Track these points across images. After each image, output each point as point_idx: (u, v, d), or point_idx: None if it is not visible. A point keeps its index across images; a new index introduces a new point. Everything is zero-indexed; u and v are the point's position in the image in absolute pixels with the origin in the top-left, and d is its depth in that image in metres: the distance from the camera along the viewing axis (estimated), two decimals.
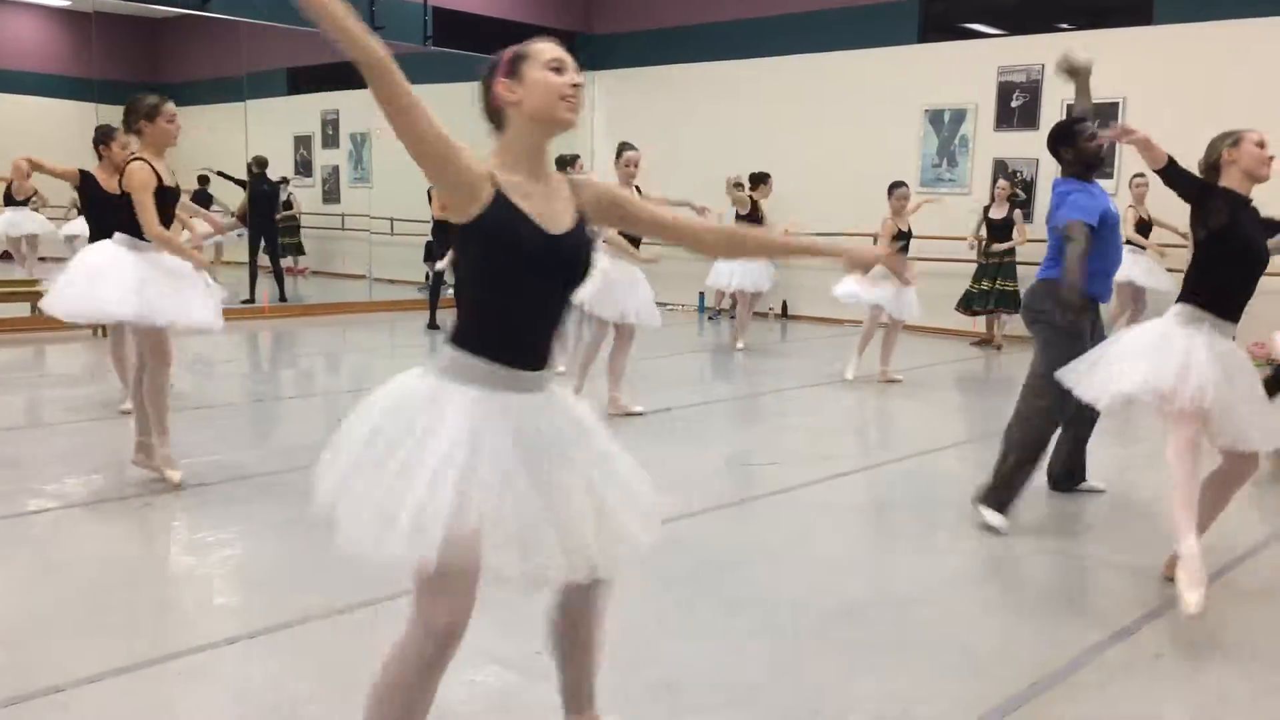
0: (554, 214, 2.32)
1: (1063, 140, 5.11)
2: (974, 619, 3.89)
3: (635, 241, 7.01)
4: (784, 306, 13.68)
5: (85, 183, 6.56)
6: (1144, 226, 10.32)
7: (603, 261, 6.91)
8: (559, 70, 2.37)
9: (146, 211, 4.93)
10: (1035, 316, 4.97)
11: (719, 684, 3.28)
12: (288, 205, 14.84)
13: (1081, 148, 5.01)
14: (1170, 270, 9.90)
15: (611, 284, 6.80)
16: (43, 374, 8.71)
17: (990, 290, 10.88)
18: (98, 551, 4.49)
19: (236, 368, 9.54)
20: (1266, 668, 3.50)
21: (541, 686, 3.20)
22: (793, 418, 7.58)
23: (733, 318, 13.13)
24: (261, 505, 4.91)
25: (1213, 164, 4.02)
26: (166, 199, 5.06)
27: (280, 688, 3.17)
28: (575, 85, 2.35)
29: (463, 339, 2.30)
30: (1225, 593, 4.14)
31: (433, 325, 11.36)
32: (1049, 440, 4.94)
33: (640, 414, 7.07)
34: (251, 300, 12.75)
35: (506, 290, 2.26)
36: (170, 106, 5.12)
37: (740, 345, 10.63)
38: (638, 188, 7.03)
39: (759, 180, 11.15)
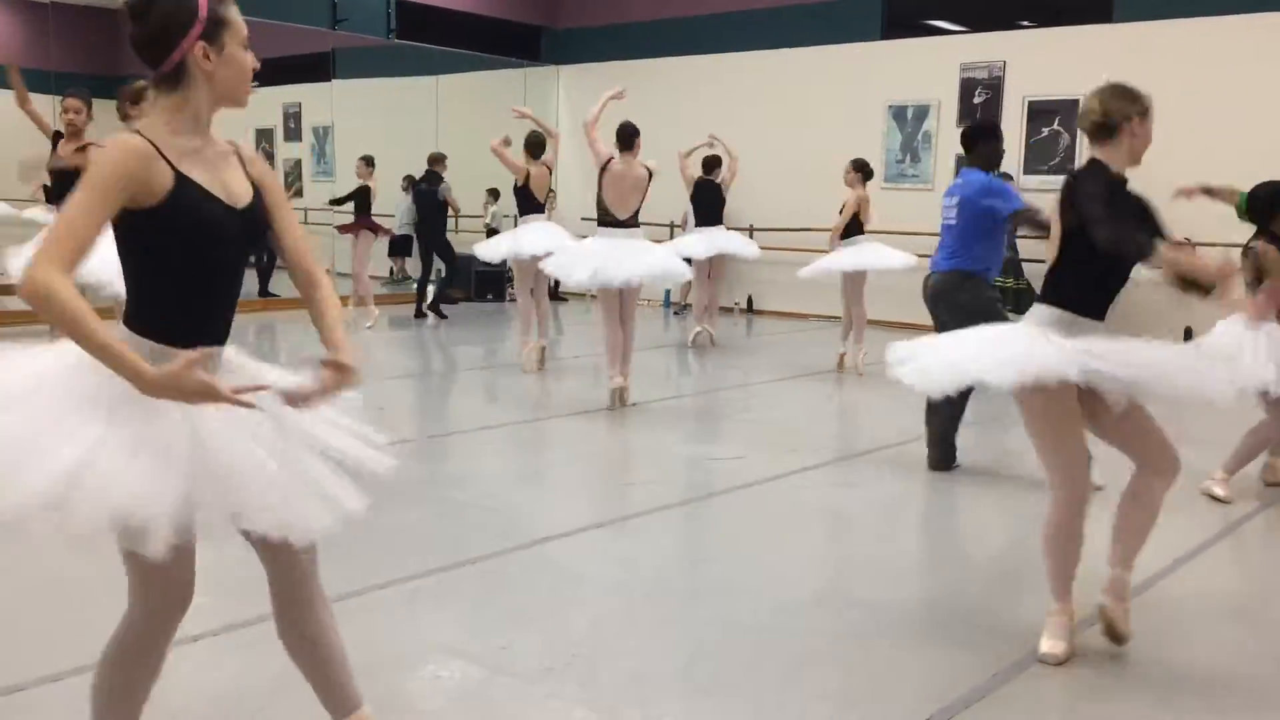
0: (228, 183, 2.22)
1: (981, 136, 5.84)
2: (937, 610, 3.93)
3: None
4: (749, 301, 13.72)
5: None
6: None
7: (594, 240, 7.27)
8: (247, 48, 2.27)
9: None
10: (952, 304, 5.40)
11: (685, 675, 3.29)
12: None
13: (996, 149, 5.86)
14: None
15: (580, 248, 7.22)
16: None
17: (1006, 289, 10.60)
18: (57, 550, 4.44)
19: None
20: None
21: (507, 681, 3.21)
22: (758, 412, 7.62)
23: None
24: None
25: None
26: None
27: (247, 684, 3.16)
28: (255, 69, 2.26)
29: (132, 318, 2.19)
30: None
31: (420, 314, 12.09)
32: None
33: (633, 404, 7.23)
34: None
35: (182, 271, 2.16)
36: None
37: (709, 330, 10.52)
38: (647, 166, 7.45)
39: (712, 165, 11.05)
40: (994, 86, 11.70)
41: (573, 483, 5.74)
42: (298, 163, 16.15)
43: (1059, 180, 5.42)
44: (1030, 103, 11.35)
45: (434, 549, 4.26)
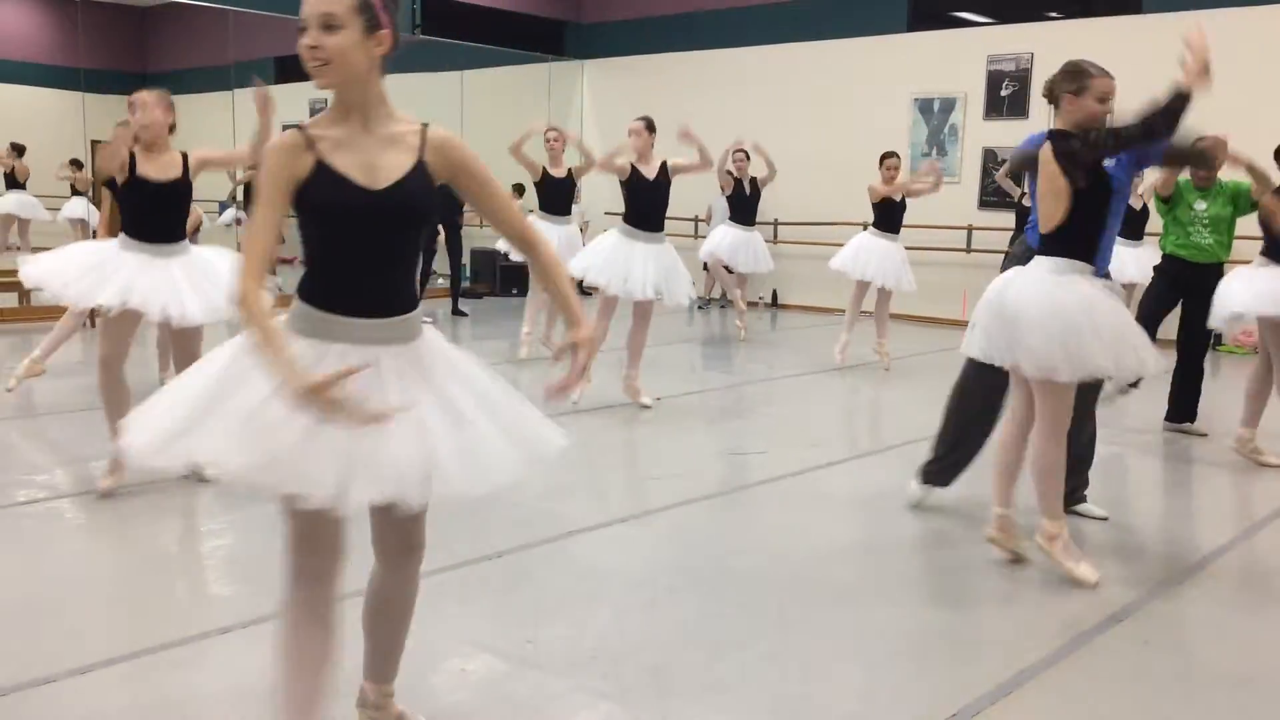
0: (378, 166, 2.32)
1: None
2: (964, 606, 3.92)
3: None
4: (774, 295, 13.69)
5: None
6: (1143, 213, 10.15)
7: (611, 237, 6.98)
8: (302, 30, 2.31)
9: None
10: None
11: (708, 669, 3.29)
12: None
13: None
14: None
15: (625, 259, 6.83)
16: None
17: None
18: (88, 542, 4.49)
19: None
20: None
21: (532, 675, 3.22)
22: (782, 407, 7.60)
23: (723, 306, 13.15)
24: (251, 496, 4.90)
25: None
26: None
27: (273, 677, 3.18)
28: (309, 47, 2.29)
29: (300, 288, 2.35)
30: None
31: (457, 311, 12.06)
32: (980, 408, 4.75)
33: (648, 406, 7.05)
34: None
35: (330, 244, 2.32)
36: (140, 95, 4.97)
37: (743, 331, 10.56)
38: (664, 163, 7.06)
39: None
40: (1021, 78, 11.62)
41: (597, 477, 5.75)
42: None
43: None
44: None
45: (459, 543, 4.28)
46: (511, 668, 3.28)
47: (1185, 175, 6.50)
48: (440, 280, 14.83)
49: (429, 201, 2.40)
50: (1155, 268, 6.82)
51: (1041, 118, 11.96)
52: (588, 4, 15.20)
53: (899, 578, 4.18)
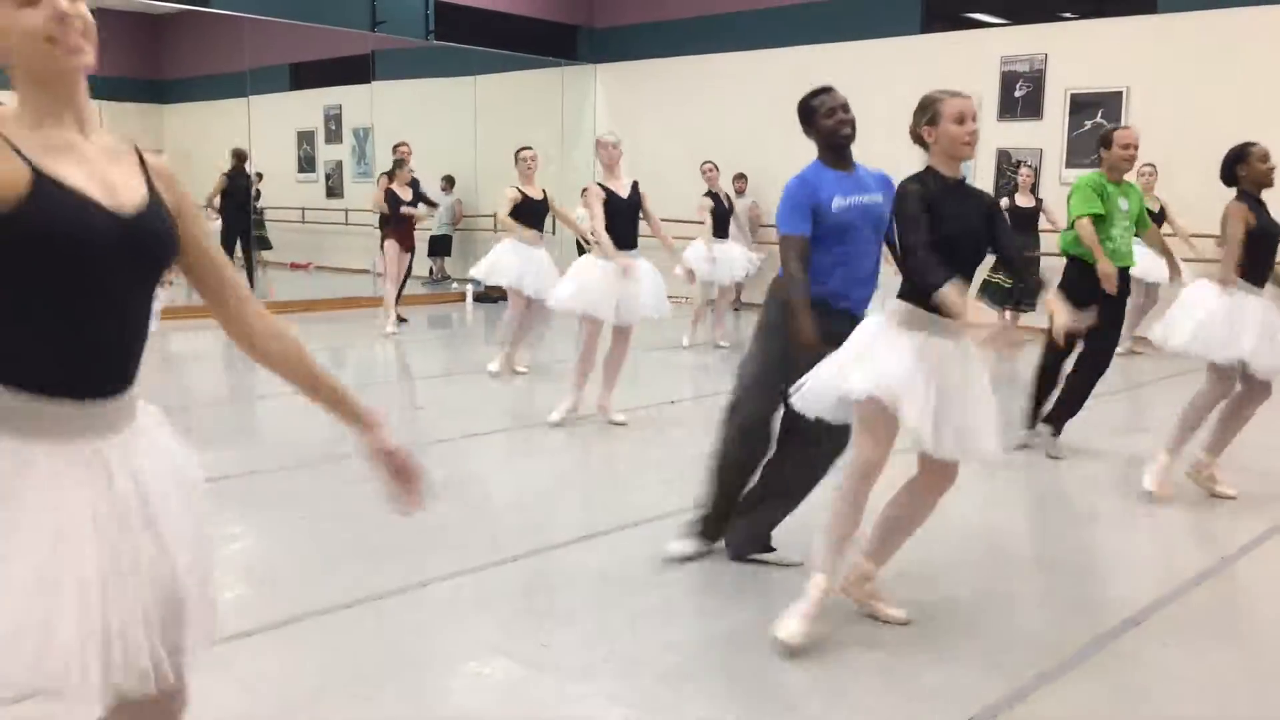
0: (115, 184, 1.72)
1: (802, 118, 4.27)
2: (976, 609, 3.90)
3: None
4: None
5: None
6: (1154, 218, 10.09)
7: (594, 265, 6.77)
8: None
9: None
10: (768, 316, 4.09)
11: (724, 672, 3.29)
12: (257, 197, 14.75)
13: (819, 125, 4.19)
14: (1186, 260, 9.68)
15: (601, 282, 6.61)
16: None
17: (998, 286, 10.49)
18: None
19: (240, 363, 9.54)
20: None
21: (548, 679, 3.22)
22: None
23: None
24: (268, 500, 4.93)
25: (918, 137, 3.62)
26: None
27: (290, 681, 3.19)
28: (66, 17, 1.69)
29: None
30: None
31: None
32: (752, 462, 4.17)
33: (622, 424, 6.83)
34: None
35: (54, 293, 1.65)
36: None
37: (723, 342, 10.31)
38: (635, 184, 6.74)
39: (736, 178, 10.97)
40: (1035, 79, 11.58)
41: (609, 482, 5.75)
42: (338, 164, 16.30)
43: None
44: (1072, 95, 11.21)
45: (474, 548, 4.29)
46: (527, 672, 3.28)
47: (1099, 172, 5.78)
48: (455, 285, 14.88)
49: (176, 236, 1.81)
50: (1072, 276, 5.80)
51: (1056, 119, 11.99)
52: (600, 8, 15.22)
53: (913, 583, 4.16)
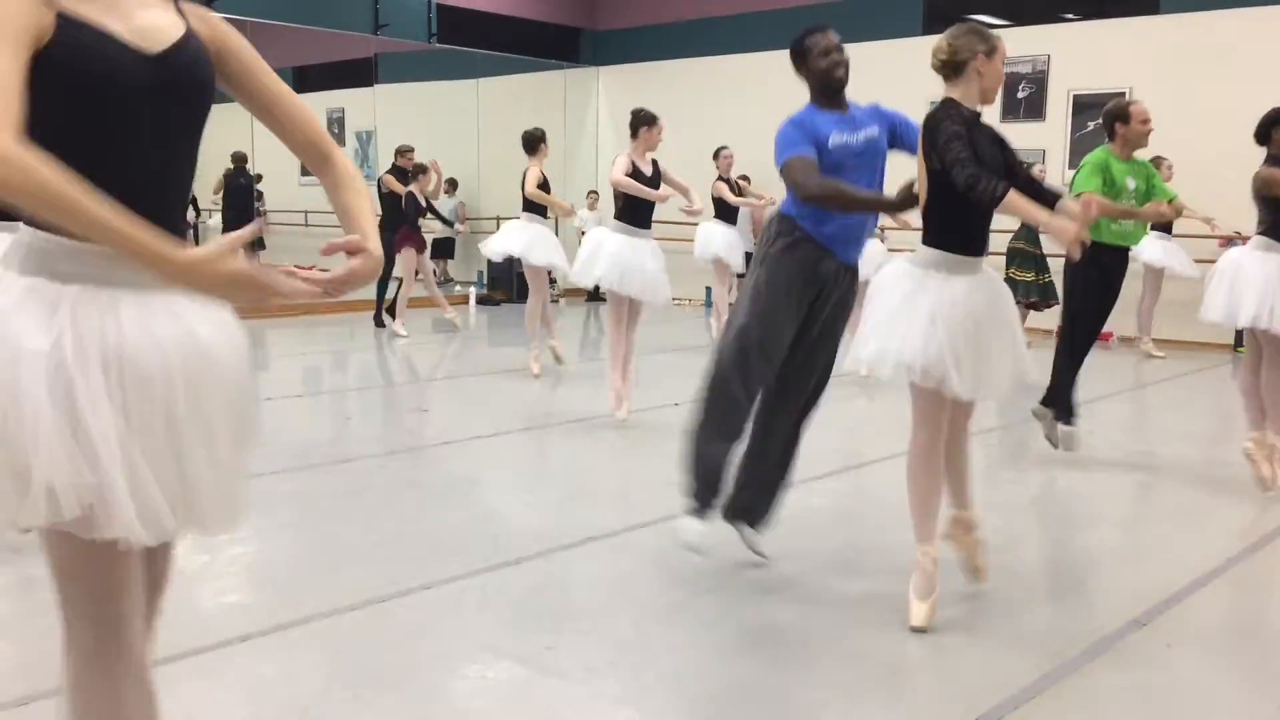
0: (143, 25, 1.70)
1: (795, 59, 4.19)
2: (984, 610, 3.89)
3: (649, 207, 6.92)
4: None
5: None
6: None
7: (611, 236, 6.88)
8: None
9: None
10: (757, 247, 4.03)
11: (729, 675, 3.29)
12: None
13: (813, 66, 4.12)
14: (1199, 261, 9.62)
15: (623, 259, 6.71)
16: None
17: (1033, 282, 10.28)
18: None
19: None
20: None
21: (552, 681, 3.22)
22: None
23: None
24: (271, 504, 4.93)
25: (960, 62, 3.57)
26: None
27: (293, 684, 3.19)
28: None
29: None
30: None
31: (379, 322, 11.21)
32: (735, 395, 3.95)
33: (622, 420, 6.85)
34: None
35: (87, 135, 1.64)
36: None
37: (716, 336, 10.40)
38: (654, 161, 6.92)
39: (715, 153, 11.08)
40: (1038, 80, 11.58)
41: (614, 484, 5.75)
42: None
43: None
44: (1075, 96, 11.21)
45: (477, 550, 4.28)
46: (531, 674, 3.28)
47: (1107, 145, 5.69)
48: (458, 287, 14.88)
49: (212, 77, 1.81)
50: (1080, 260, 6.00)
51: (1059, 120, 11.97)
52: (602, 10, 15.23)
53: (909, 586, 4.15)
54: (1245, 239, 9.98)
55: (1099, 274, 5.57)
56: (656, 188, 6.87)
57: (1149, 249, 9.41)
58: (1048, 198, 3.51)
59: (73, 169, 1.50)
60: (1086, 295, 5.69)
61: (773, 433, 4.14)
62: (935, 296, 3.45)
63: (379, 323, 11.11)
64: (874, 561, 4.46)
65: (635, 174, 6.78)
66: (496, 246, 8.56)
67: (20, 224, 1.67)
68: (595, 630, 3.61)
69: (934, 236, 3.54)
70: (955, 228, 3.51)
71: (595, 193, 14.61)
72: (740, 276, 10.86)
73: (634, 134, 6.90)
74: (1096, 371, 6.15)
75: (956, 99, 3.53)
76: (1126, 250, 5.78)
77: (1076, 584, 4.17)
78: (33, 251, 1.64)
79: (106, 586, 1.72)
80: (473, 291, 13.14)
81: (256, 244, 14.46)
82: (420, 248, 10.90)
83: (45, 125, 1.56)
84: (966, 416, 3.77)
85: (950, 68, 3.56)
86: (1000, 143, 3.63)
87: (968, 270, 3.52)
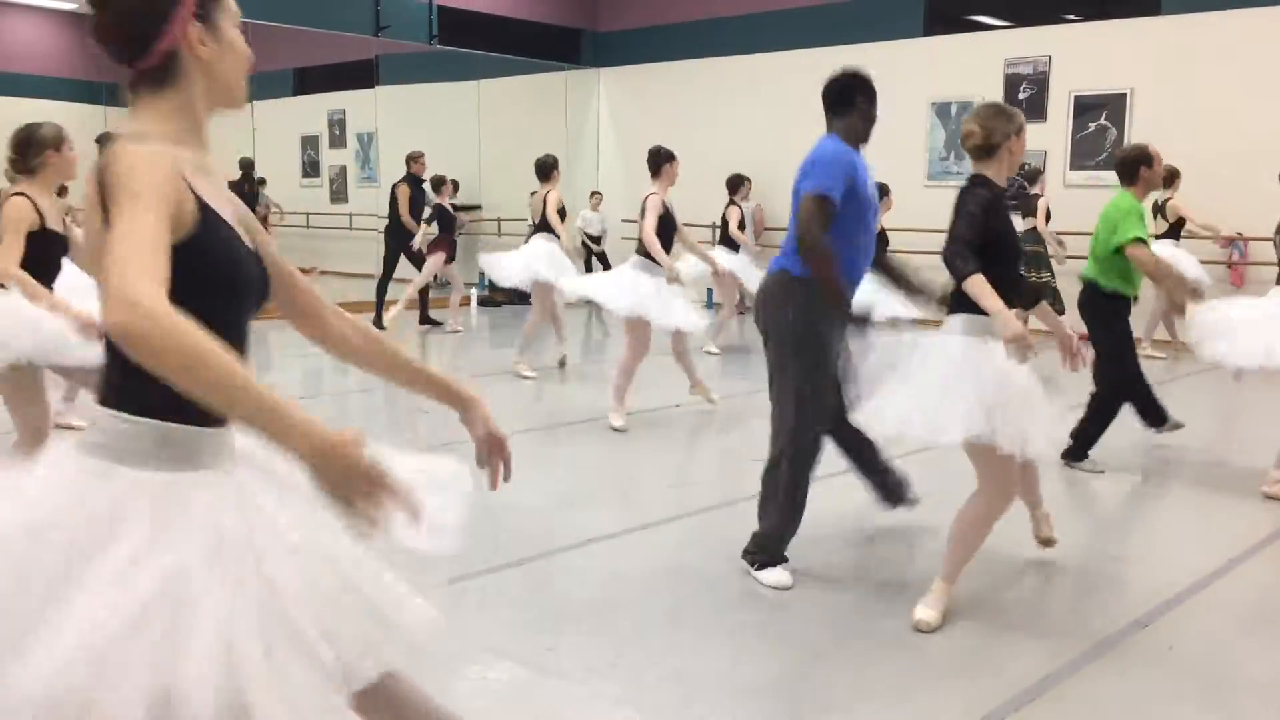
0: (241, 214, 1.78)
1: (849, 94, 4.13)
2: (988, 610, 3.89)
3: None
4: None
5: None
6: (1177, 224, 9.97)
7: (637, 276, 6.89)
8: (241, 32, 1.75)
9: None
10: (771, 318, 4.05)
11: (729, 676, 3.29)
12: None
13: (867, 112, 4.14)
14: (1204, 262, 9.62)
15: (656, 294, 6.79)
16: None
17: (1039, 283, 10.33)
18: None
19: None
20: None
21: (553, 682, 3.22)
22: None
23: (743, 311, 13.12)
24: None
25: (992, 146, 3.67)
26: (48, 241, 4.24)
27: None
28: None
29: (133, 400, 1.59)
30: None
31: (425, 320, 11.56)
32: (813, 463, 4.12)
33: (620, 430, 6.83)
34: None
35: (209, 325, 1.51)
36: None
37: (715, 349, 10.17)
38: (666, 204, 6.92)
39: (737, 185, 10.98)
40: (1039, 82, 11.57)
41: (615, 486, 5.75)
42: (343, 169, 16.32)
43: (1106, 175, 5.30)
44: (1076, 97, 11.21)
45: (478, 551, 4.28)
46: (532, 675, 3.28)
47: (1129, 190, 5.53)
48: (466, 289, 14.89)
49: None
50: (1113, 314, 5.63)
51: (1061, 121, 11.96)
52: (603, 12, 15.24)
53: (925, 582, 4.15)
54: (1246, 240, 10.03)
55: (1126, 323, 5.63)
56: (675, 225, 6.98)
57: (1160, 253, 9.39)
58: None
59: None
60: (1125, 347, 5.69)
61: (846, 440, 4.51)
62: (998, 361, 3.50)
63: (380, 325, 11.14)
64: (876, 563, 4.46)
65: (666, 214, 6.88)
66: (513, 272, 8.65)
67: None
68: (595, 631, 3.61)
69: (962, 303, 3.59)
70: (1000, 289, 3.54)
71: (598, 193, 14.62)
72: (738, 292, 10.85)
73: (656, 172, 6.97)
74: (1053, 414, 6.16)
75: (989, 177, 3.68)
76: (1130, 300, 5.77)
77: (1078, 585, 4.17)
78: (165, 442, 1.60)
79: None
80: (474, 294, 13.14)
81: None
82: (450, 257, 11.16)
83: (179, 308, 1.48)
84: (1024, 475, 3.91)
85: (984, 150, 3.68)
86: (1009, 227, 3.81)
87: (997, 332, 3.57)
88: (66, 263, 4.38)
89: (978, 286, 3.44)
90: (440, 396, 2.02)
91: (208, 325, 1.41)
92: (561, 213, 8.79)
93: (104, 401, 1.62)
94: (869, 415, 3.75)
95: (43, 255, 4.20)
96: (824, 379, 3.99)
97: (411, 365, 2.00)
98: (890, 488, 4.70)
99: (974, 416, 3.41)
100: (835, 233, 3.87)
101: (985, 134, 3.64)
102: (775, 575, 4.05)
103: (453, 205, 11.40)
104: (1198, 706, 3.18)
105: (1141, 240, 5.38)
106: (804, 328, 3.93)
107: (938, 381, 3.53)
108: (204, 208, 1.61)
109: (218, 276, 1.63)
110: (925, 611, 3.64)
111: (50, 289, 4.19)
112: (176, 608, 1.45)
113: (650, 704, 3.09)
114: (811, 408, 3.99)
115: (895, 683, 3.29)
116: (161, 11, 1.61)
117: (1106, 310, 5.59)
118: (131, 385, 1.53)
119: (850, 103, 4.10)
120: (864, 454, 4.60)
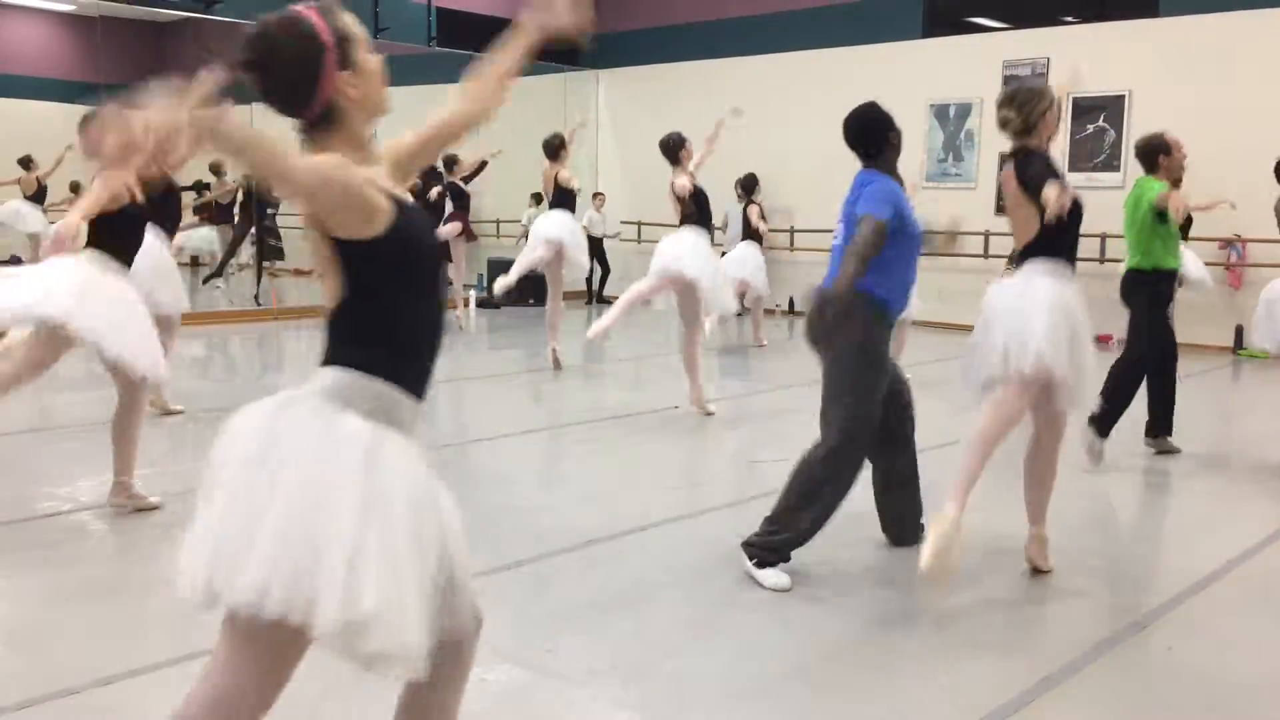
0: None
1: (877, 127, 4.39)
2: (986, 615, 3.90)
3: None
4: (790, 303, 13.68)
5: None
6: (1184, 224, 9.97)
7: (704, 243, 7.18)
8: (370, 49, 2.05)
9: None
10: (841, 334, 4.13)
11: (729, 678, 3.29)
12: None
13: (896, 144, 4.38)
14: (1209, 263, 9.61)
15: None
16: (50, 378, 8.72)
17: None
18: (110, 553, 4.52)
19: (248, 370, 9.56)
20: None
21: (552, 684, 3.22)
22: (800, 414, 7.57)
23: (741, 314, 13.17)
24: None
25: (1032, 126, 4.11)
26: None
27: (292, 686, 3.18)
28: None
29: (359, 357, 1.97)
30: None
31: None
32: (852, 483, 4.19)
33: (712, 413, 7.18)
34: (258, 302, 12.80)
35: (408, 300, 2.01)
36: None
37: (764, 342, 10.82)
38: (697, 184, 7.24)
39: (754, 182, 11.21)
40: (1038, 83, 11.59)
41: (615, 486, 5.75)
42: None
43: (1104, 178, 5.37)
44: (1075, 99, 11.22)
45: (478, 552, 4.23)
46: (532, 677, 3.28)
47: (1161, 181, 5.91)
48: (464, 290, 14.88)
49: None
50: (1152, 289, 5.96)
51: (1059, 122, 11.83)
52: (602, 14, 15.21)
53: (919, 587, 4.15)
54: (1244, 241, 10.03)
55: (1164, 308, 5.94)
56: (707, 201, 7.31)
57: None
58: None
59: (396, 323, 1.95)
60: (1159, 324, 5.98)
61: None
62: (1055, 294, 3.90)
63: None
64: (876, 564, 4.46)
65: (697, 192, 7.16)
66: (550, 231, 8.73)
67: None
68: (596, 633, 3.61)
69: (1043, 248, 4.00)
70: (1062, 253, 4.02)
71: (601, 194, 14.62)
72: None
73: (675, 160, 7.19)
74: (1097, 373, 6.17)
75: (1033, 147, 4.06)
76: (1174, 272, 6.03)
77: (1077, 586, 4.17)
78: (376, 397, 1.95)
79: (285, 674, 2.18)
80: (473, 294, 13.13)
81: (275, 254, 14.60)
82: (470, 237, 11.48)
83: (380, 288, 1.94)
84: (1061, 429, 4.16)
85: (1025, 132, 4.08)
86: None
87: (1068, 278, 4.01)
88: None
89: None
90: (520, 46, 2.49)
91: (402, 291, 1.94)
92: (571, 193, 8.91)
93: (329, 361, 1.96)
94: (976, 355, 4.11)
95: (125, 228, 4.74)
96: (878, 401, 4.17)
97: (509, 54, 2.47)
98: (906, 528, 4.57)
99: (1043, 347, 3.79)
100: (894, 254, 4.06)
101: (1023, 117, 4.06)
102: (775, 577, 4.06)
103: (464, 180, 11.65)
104: (1197, 707, 3.18)
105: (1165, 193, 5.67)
106: (876, 349, 4.16)
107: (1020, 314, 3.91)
108: (397, 203, 1.93)
109: (413, 245, 1.97)
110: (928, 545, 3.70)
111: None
112: (388, 534, 1.85)
113: (650, 706, 3.09)
114: (867, 427, 4.14)
115: (894, 684, 3.29)
116: (312, 74, 1.91)
117: (1145, 284, 5.92)
118: (348, 350, 1.95)
119: (883, 140, 4.33)
120: (891, 487, 4.56)
